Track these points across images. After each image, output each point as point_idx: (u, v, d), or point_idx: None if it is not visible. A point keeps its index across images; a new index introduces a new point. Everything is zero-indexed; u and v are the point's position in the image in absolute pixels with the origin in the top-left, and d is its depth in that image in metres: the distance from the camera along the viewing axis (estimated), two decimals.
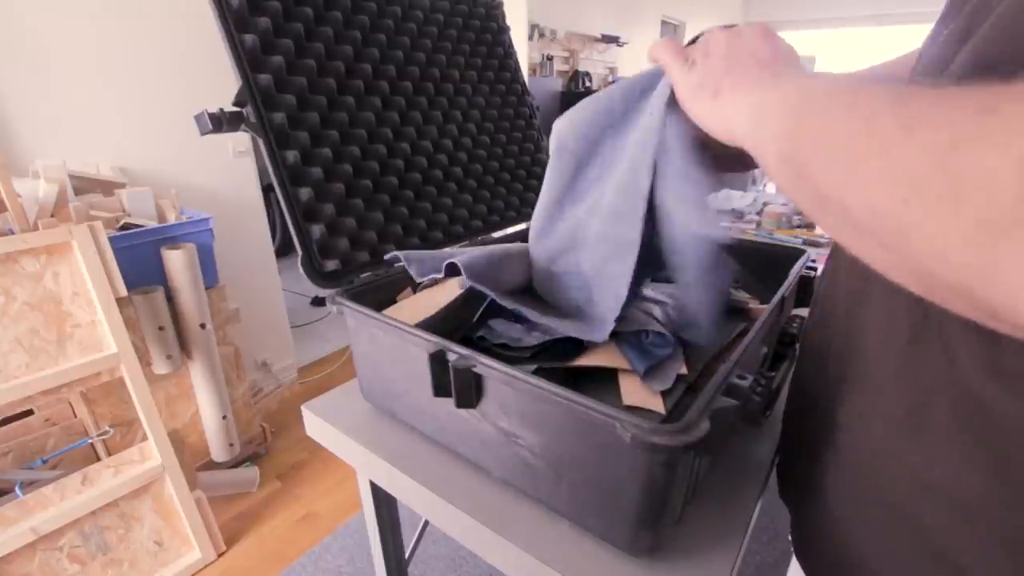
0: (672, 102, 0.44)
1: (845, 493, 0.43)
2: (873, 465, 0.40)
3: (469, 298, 0.62)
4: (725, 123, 0.37)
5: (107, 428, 1.38)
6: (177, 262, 1.40)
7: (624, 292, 0.51)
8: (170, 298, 1.43)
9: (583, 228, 0.56)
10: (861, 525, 0.41)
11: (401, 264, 0.73)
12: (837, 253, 0.47)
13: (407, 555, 0.91)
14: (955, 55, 0.32)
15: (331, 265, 0.65)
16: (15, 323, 1.08)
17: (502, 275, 0.61)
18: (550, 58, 3.65)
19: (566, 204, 0.58)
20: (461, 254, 0.60)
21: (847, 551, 0.42)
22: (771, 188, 3.05)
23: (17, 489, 1.14)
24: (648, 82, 0.48)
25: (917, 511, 0.36)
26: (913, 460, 0.36)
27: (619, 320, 0.53)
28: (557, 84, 3.57)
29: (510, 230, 0.91)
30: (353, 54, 0.72)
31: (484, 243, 0.85)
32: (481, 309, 0.62)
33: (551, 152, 0.56)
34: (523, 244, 0.65)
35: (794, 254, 0.72)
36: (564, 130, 0.55)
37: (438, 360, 0.49)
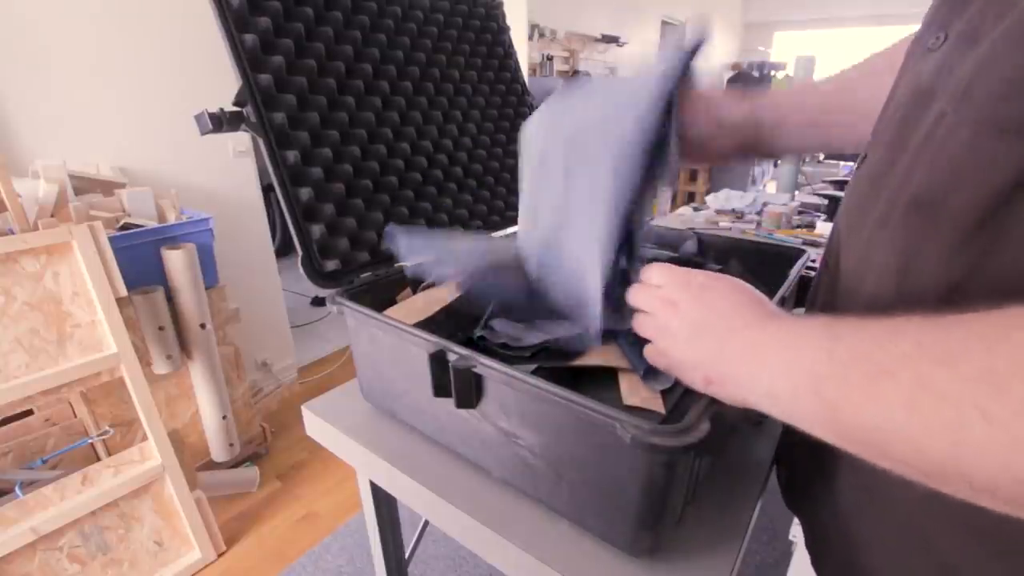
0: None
1: (854, 505, 0.42)
2: (882, 479, 0.39)
3: (469, 298, 0.62)
4: (733, 402, 0.37)
5: (107, 428, 1.38)
6: (177, 262, 1.40)
7: (599, 298, 0.50)
8: (170, 298, 1.43)
9: (558, 238, 0.56)
10: (871, 538, 0.41)
11: (401, 264, 0.73)
12: (832, 250, 0.46)
13: (407, 555, 0.91)
14: (961, 58, 0.31)
15: (331, 265, 0.65)
16: (15, 323, 1.08)
17: (501, 285, 0.61)
18: (550, 58, 3.65)
19: (541, 211, 0.58)
20: (457, 261, 0.60)
21: (858, 563, 0.42)
22: (771, 188, 3.05)
23: (17, 489, 1.14)
24: (636, 97, 0.48)
25: (928, 527, 0.36)
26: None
27: (619, 319, 0.53)
28: (557, 84, 3.57)
29: (510, 230, 0.91)
30: (353, 54, 0.72)
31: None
32: (487, 314, 0.62)
33: (524, 157, 0.57)
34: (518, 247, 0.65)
35: (794, 254, 0.72)
36: (539, 135, 0.55)
37: (438, 360, 0.49)
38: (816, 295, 0.49)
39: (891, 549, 0.39)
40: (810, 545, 0.50)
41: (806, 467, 0.49)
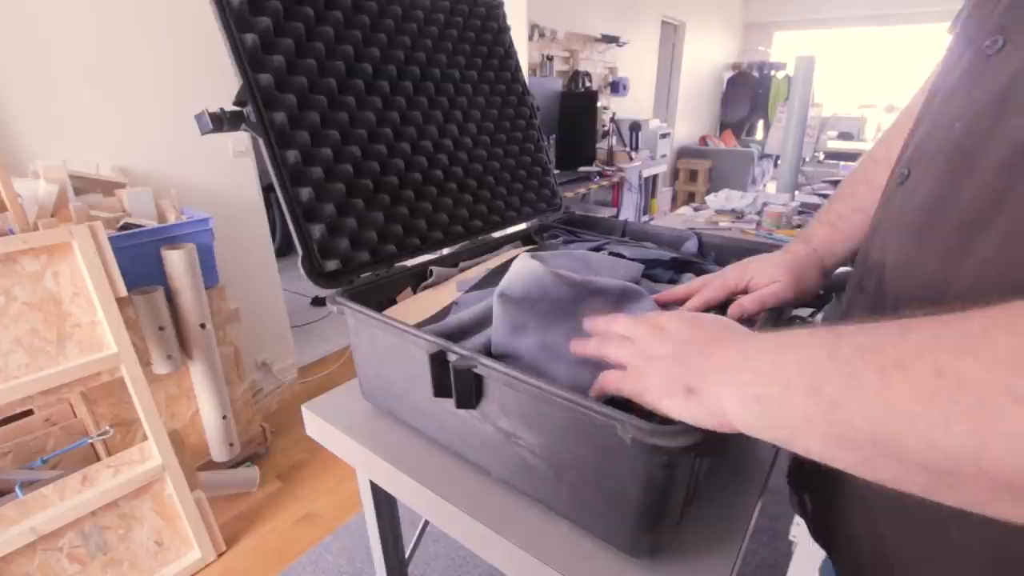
0: None
1: (894, 530, 0.40)
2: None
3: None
4: (711, 418, 0.34)
5: (107, 428, 1.38)
6: (177, 262, 1.40)
7: None
8: (170, 298, 1.43)
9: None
10: (917, 561, 0.39)
11: (401, 264, 0.73)
12: (871, 272, 0.44)
13: (407, 555, 0.91)
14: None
15: (331, 265, 0.65)
16: (15, 323, 1.08)
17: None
18: (550, 58, 3.65)
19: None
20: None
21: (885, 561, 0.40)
22: (771, 188, 3.05)
23: (17, 489, 1.14)
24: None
25: (958, 536, 0.35)
26: None
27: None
28: (557, 84, 3.57)
29: (510, 230, 0.91)
30: (354, 54, 0.72)
31: (484, 244, 0.85)
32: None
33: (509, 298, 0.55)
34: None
35: None
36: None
37: (438, 361, 0.49)
38: (849, 319, 0.45)
39: (922, 562, 0.37)
40: (817, 530, 0.49)
41: (838, 496, 0.46)
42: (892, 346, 0.25)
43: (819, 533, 0.51)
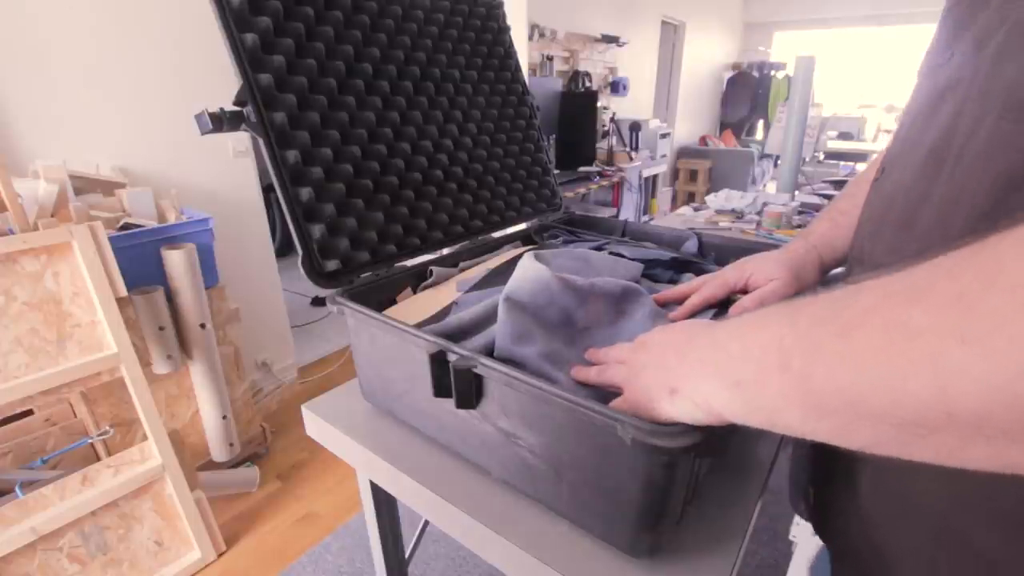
0: None
1: (885, 517, 0.41)
2: (911, 485, 0.38)
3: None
4: (700, 412, 0.35)
5: (107, 428, 1.38)
6: (177, 262, 1.40)
7: None
8: (170, 298, 1.43)
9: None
10: (906, 547, 0.40)
11: (401, 264, 0.73)
12: (857, 261, 0.46)
13: (407, 555, 0.91)
14: (973, 61, 0.33)
15: (331, 265, 0.65)
16: (15, 323, 1.08)
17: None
18: (550, 58, 3.65)
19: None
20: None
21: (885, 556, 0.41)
22: (771, 188, 3.05)
23: (17, 489, 1.14)
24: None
25: (964, 527, 0.35)
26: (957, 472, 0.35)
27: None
28: (557, 84, 3.57)
29: (510, 230, 0.91)
30: (354, 54, 0.72)
31: (484, 244, 0.85)
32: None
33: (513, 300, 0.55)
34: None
35: None
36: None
37: (438, 361, 0.49)
38: None
39: (927, 554, 0.38)
40: (839, 569, 0.49)
41: (833, 487, 0.47)
42: (846, 309, 0.26)
43: (818, 525, 0.51)
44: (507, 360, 0.52)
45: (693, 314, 0.60)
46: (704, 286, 0.61)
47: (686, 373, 0.36)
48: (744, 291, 0.59)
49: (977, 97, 0.32)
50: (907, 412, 0.23)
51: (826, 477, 0.49)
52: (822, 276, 0.61)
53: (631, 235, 0.89)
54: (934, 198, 0.35)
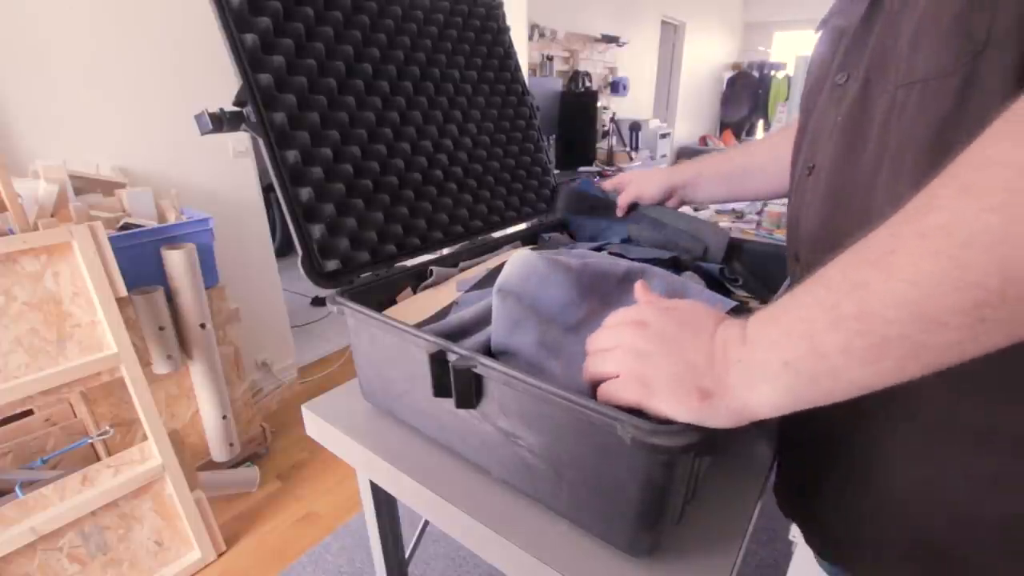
0: None
1: (859, 506, 0.44)
2: (907, 500, 0.41)
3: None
4: (728, 416, 0.34)
5: (107, 428, 1.38)
6: (177, 262, 1.40)
7: None
8: (170, 298, 1.43)
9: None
10: (890, 553, 0.43)
11: (401, 264, 0.73)
12: (796, 241, 0.50)
13: (407, 555, 0.91)
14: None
15: (331, 265, 0.65)
16: (15, 323, 1.08)
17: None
18: (550, 58, 3.65)
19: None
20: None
21: (867, 554, 0.44)
22: None
23: (17, 489, 1.14)
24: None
25: (960, 547, 0.38)
26: (959, 495, 0.38)
27: None
28: (557, 84, 3.57)
29: (510, 230, 0.91)
30: (353, 54, 0.72)
31: (484, 244, 0.85)
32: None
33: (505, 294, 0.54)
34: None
35: None
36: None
37: (438, 360, 0.49)
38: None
39: (891, 534, 0.42)
40: (809, 539, 0.52)
41: (806, 471, 0.51)
42: (866, 249, 0.29)
43: (783, 502, 0.55)
44: (503, 352, 0.52)
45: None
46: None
47: (723, 377, 0.34)
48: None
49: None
50: (969, 294, 0.25)
51: (799, 462, 0.53)
52: (663, 195, 0.83)
53: (643, 216, 0.87)
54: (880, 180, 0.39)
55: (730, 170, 0.80)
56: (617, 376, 0.39)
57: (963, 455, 0.38)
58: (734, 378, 0.33)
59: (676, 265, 0.76)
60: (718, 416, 0.34)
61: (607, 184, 0.90)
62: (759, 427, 0.61)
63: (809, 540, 0.52)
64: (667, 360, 0.36)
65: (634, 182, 0.85)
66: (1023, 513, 0.36)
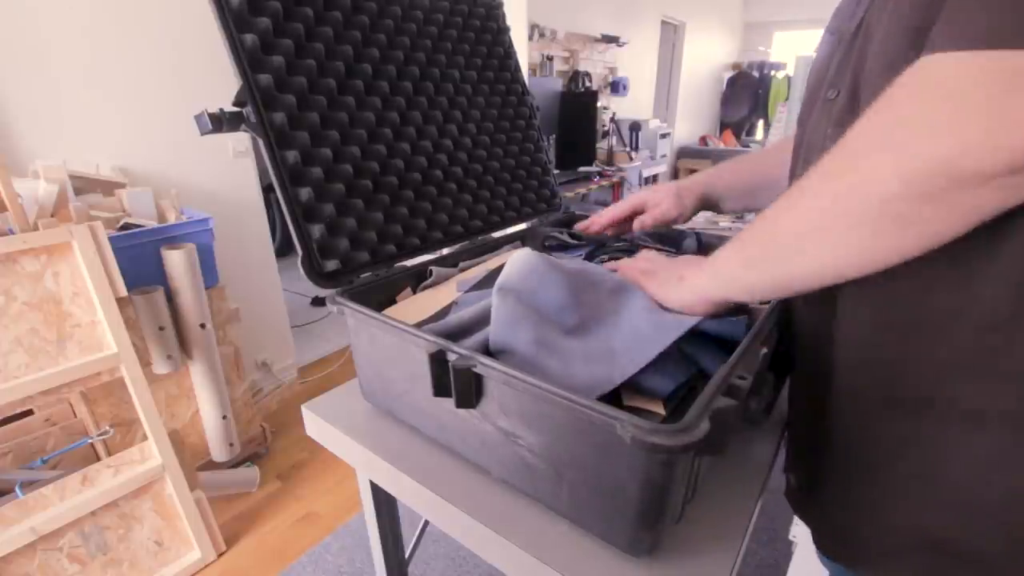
0: None
1: (863, 498, 0.46)
2: (908, 489, 0.43)
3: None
4: (695, 291, 0.53)
5: (107, 428, 1.38)
6: (177, 262, 1.40)
7: (642, 362, 0.49)
8: (170, 298, 1.43)
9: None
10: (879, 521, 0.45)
11: (401, 264, 0.73)
12: None
13: (407, 555, 0.91)
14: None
15: (331, 265, 0.65)
16: (15, 323, 1.08)
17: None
18: (550, 58, 3.65)
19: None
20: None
21: (870, 546, 0.47)
22: None
23: (17, 489, 1.14)
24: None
25: (963, 536, 0.40)
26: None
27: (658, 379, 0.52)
28: (557, 84, 3.57)
29: (510, 230, 0.91)
30: (353, 54, 0.72)
31: (484, 244, 0.85)
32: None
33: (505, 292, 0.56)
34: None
35: None
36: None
37: (438, 360, 0.49)
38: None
39: (894, 528, 0.43)
40: (818, 540, 0.53)
41: (815, 472, 0.52)
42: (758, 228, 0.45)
43: (796, 503, 0.57)
44: (501, 350, 0.52)
45: (611, 223, 0.81)
46: (612, 208, 0.81)
47: (690, 271, 0.55)
48: (642, 211, 0.79)
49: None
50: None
51: (808, 464, 0.55)
52: (699, 204, 0.79)
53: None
54: None
55: (755, 182, 0.78)
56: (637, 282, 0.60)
57: (959, 437, 0.38)
58: (695, 274, 0.54)
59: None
60: (688, 296, 0.53)
61: (580, 225, 0.84)
62: (757, 426, 0.61)
63: (819, 543, 0.52)
64: (664, 269, 0.60)
65: (657, 204, 0.78)
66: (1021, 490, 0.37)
